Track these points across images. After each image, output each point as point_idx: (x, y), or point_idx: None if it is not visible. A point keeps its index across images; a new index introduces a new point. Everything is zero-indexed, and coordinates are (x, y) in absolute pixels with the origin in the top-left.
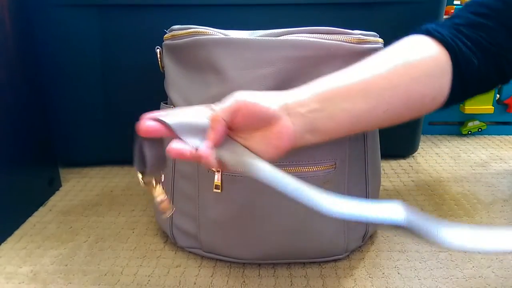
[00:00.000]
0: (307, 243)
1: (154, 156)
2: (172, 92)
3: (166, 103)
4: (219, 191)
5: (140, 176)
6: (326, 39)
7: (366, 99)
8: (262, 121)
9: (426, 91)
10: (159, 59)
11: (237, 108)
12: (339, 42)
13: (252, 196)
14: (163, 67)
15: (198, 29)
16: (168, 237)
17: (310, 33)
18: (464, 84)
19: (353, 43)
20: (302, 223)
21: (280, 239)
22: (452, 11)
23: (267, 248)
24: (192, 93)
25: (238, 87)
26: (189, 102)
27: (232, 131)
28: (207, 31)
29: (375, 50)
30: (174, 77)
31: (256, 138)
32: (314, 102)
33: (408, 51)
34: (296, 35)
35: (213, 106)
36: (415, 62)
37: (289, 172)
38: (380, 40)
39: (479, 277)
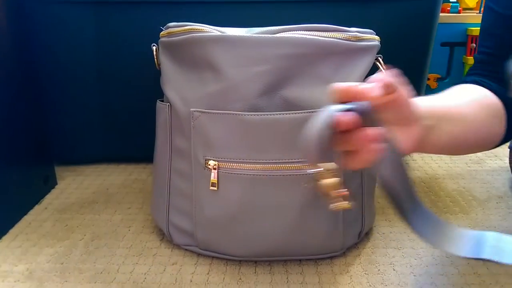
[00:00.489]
0: (303, 240)
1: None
2: (169, 89)
3: (162, 101)
4: (216, 188)
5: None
6: (323, 36)
7: (460, 123)
8: (406, 110)
9: (491, 130)
10: (155, 57)
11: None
12: (335, 40)
13: (248, 193)
14: (159, 65)
15: (194, 26)
16: (164, 235)
17: (306, 31)
18: None
19: (349, 40)
20: (298, 220)
21: (276, 237)
22: (449, 8)
23: (263, 245)
24: (188, 90)
25: (234, 84)
26: (185, 100)
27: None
28: (203, 28)
29: (371, 47)
30: (171, 74)
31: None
32: (429, 118)
33: (474, 92)
34: (293, 32)
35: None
36: (483, 100)
37: (287, 170)
38: (377, 37)
39: (474, 273)
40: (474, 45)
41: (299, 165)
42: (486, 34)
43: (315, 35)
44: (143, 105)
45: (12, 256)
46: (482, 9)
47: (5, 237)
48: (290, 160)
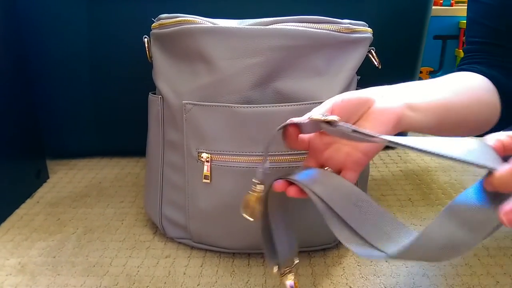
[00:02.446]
0: (296, 232)
1: (286, 244)
2: (160, 82)
3: (155, 93)
4: (208, 181)
5: (275, 269)
6: (315, 28)
7: (448, 92)
8: (360, 107)
9: (488, 99)
10: (147, 49)
11: (334, 105)
12: (328, 31)
13: (241, 186)
14: (151, 57)
15: (186, 18)
16: (158, 228)
17: (299, 22)
18: (506, 96)
19: (342, 32)
20: (290, 212)
21: None
22: (441, 1)
23: (256, 238)
24: (180, 82)
25: (227, 76)
26: (177, 92)
27: None
28: (195, 19)
29: (364, 39)
30: (162, 66)
31: (362, 122)
32: (404, 88)
33: (466, 75)
34: (285, 24)
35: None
36: (472, 80)
37: (279, 162)
38: (369, 29)
39: (465, 264)
40: None
41: (291, 157)
42: (474, 24)
43: (308, 27)
44: (136, 98)
45: (3, 250)
46: None
47: None
48: (283, 153)
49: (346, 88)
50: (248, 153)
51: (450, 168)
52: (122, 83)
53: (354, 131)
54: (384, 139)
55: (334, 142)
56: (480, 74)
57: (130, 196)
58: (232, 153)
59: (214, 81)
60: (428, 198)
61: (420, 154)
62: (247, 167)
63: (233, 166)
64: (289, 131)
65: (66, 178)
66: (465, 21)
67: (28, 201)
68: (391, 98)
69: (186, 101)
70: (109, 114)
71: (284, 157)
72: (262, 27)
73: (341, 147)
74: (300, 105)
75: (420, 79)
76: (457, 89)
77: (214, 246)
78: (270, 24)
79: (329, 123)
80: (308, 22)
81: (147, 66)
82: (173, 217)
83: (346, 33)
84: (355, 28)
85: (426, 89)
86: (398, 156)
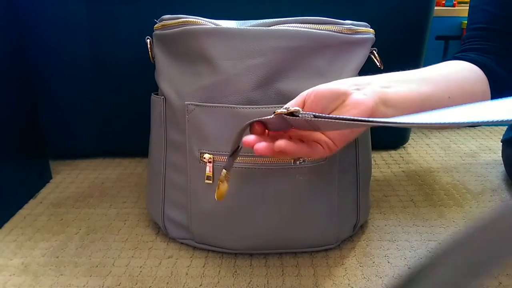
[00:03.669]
0: (298, 233)
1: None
2: (163, 82)
3: (157, 94)
4: (211, 182)
5: (224, 171)
6: (317, 29)
7: (427, 84)
8: (334, 99)
9: (475, 88)
10: (149, 50)
11: (306, 97)
12: (330, 32)
13: (243, 186)
14: (153, 58)
15: (189, 19)
16: (160, 229)
17: (301, 23)
18: (497, 84)
19: (344, 33)
20: (293, 213)
21: (271, 229)
22: (444, 1)
23: (258, 238)
24: (183, 83)
25: (229, 77)
26: (180, 93)
27: None
28: (198, 20)
29: (366, 40)
30: (165, 67)
31: (336, 114)
32: (381, 81)
33: (454, 64)
34: (287, 25)
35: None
36: (459, 69)
37: (282, 162)
38: (371, 30)
39: None
40: None
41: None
42: (475, 12)
43: (310, 28)
44: (138, 99)
45: (7, 250)
46: None
47: None
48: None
49: None
50: (250, 154)
51: (453, 169)
52: (124, 84)
53: (315, 116)
54: (347, 120)
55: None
56: (472, 62)
57: (132, 196)
58: None
59: (216, 82)
60: (431, 199)
61: (422, 155)
62: (249, 167)
63: (236, 167)
64: (255, 128)
65: (68, 178)
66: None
67: (31, 201)
68: (367, 91)
69: (189, 102)
70: (111, 115)
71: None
72: (264, 28)
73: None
74: None
75: None
76: (440, 80)
77: (216, 246)
78: (272, 25)
79: (292, 114)
80: (310, 23)
81: (149, 67)
82: (175, 217)
83: (348, 34)
84: (357, 29)
85: (405, 80)
86: (400, 157)
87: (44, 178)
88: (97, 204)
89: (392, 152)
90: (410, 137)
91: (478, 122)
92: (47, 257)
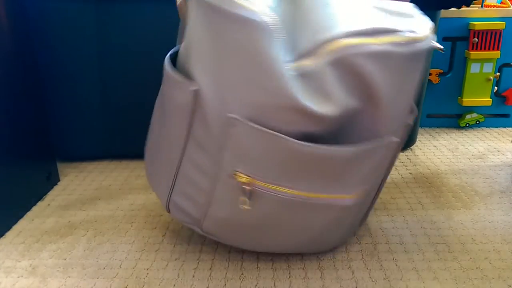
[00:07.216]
0: (313, 248)
1: None
2: (199, 70)
3: (175, 65)
4: (247, 207)
5: None
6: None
7: None
8: None
9: None
10: (178, 6)
11: None
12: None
13: (275, 212)
14: (183, 15)
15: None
16: (167, 231)
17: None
18: None
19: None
20: (314, 237)
21: (288, 247)
22: None
23: (266, 242)
24: (229, 85)
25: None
26: (222, 97)
27: None
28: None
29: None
30: (205, 49)
31: None
32: None
33: None
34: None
35: None
36: None
37: (321, 198)
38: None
39: (477, 268)
40: (476, 39)
41: (335, 195)
42: None
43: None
44: (146, 101)
45: (15, 252)
46: (484, 4)
47: (8, 233)
48: (328, 190)
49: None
50: (292, 187)
51: (461, 171)
52: (132, 87)
53: None
54: None
55: None
56: None
57: (139, 198)
58: (275, 182)
59: (272, 103)
60: (439, 201)
61: (430, 157)
62: (286, 197)
63: (273, 194)
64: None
65: (76, 181)
66: (474, 23)
67: (39, 203)
68: None
69: (234, 115)
70: (119, 117)
71: None
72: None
73: None
74: (359, 146)
75: (429, 81)
76: None
77: (223, 242)
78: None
79: None
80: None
81: (157, 69)
82: (183, 206)
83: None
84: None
85: None
86: (407, 159)
87: (52, 180)
88: (104, 206)
89: (400, 154)
90: (417, 139)
91: None
92: (55, 259)
